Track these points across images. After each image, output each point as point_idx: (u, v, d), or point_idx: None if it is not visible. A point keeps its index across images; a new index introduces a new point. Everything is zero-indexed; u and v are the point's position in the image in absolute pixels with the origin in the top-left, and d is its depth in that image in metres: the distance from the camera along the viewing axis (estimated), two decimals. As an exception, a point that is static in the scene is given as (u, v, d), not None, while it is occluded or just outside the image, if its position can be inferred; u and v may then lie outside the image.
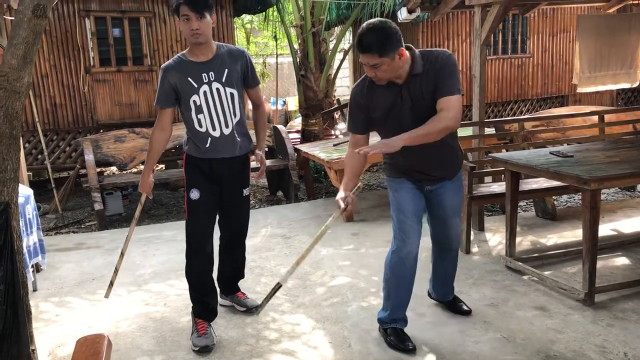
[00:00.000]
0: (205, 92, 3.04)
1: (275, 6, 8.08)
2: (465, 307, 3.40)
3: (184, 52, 3.11)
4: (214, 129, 3.07)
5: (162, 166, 8.35)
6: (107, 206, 6.25)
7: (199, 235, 3.18)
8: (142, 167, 8.61)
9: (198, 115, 3.06)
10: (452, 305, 3.43)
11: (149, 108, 7.18)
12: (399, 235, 2.95)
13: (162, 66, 3.12)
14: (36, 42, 2.56)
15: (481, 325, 3.24)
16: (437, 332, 3.20)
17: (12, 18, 4.97)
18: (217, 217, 3.34)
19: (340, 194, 2.80)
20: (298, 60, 8.11)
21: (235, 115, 3.13)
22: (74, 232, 5.86)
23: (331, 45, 8.92)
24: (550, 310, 3.38)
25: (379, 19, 2.66)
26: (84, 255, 4.91)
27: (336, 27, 11.03)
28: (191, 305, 3.31)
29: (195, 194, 3.11)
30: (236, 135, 3.14)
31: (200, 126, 3.07)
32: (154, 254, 4.85)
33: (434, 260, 3.35)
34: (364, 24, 2.63)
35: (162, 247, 5.01)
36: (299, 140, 8.35)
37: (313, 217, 5.78)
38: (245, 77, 3.18)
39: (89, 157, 5.95)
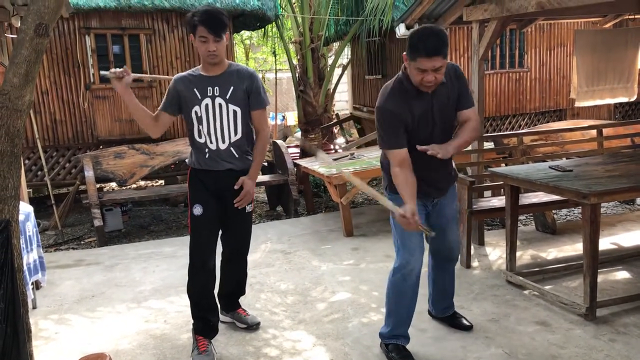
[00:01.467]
0: (207, 105, 3.09)
1: (274, 22, 8.14)
2: (465, 322, 3.39)
3: (199, 66, 3.19)
4: (210, 141, 3.12)
5: (162, 182, 8.35)
6: (107, 222, 6.24)
7: (201, 251, 3.17)
8: (141, 182, 8.61)
9: (199, 126, 3.13)
10: (453, 321, 3.42)
11: (148, 124, 7.20)
12: (402, 253, 2.96)
13: (175, 76, 3.20)
14: (38, 61, 2.58)
15: (483, 341, 3.23)
16: (439, 347, 3.19)
17: (14, 36, 5.02)
18: (220, 232, 3.34)
19: (406, 209, 2.71)
20: (297, 75, 8.16)
21: (235, 133, 3.14)
22: (73, 248, 5.85)
23: (330, 61, 8.97)
24: (552, 325, 3.37)
25: (430, 24, 2.67)
26: (83, 272, 4.90)
27: (334, 43, 11.13)
28: (192, 322, 3.30)
29: (198, 210, 3.13)
30: (233, 152, 3.16)
31: (200, 137, 3.14)
32: (154, 270, 4.84)
33: (433, 275, 3.34)
34: (420, 29, 2.67)
35: (162, 264, 5.00)
36: (298, 155, 8.37)
37: (313, 232, 5.78)
38: (248, 98, 3.16)
39: (89, 173, 5.95)
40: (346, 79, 13.54)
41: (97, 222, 5.75)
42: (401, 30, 5.50)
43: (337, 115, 11.88)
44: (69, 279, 4.72)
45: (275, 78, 12.63)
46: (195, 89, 3.09)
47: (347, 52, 12.30)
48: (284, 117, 14.03)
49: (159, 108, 3.20)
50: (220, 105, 3.09)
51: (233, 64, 3.22)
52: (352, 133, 12.35)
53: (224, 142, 3.12)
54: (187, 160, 3.27)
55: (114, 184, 8.29)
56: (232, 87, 3.11)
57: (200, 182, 3.17)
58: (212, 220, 3.18)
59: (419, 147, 2.75)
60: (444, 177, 2.97)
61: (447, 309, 3.44)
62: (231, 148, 3.14)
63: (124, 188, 6.59)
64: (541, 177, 3.68)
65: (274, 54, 11.58)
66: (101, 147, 7.00)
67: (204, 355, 3.09)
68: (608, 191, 3.31)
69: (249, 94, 3.15)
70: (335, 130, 11.78)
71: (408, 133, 2.82)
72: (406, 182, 2.76)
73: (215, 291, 3.37)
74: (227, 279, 3.53)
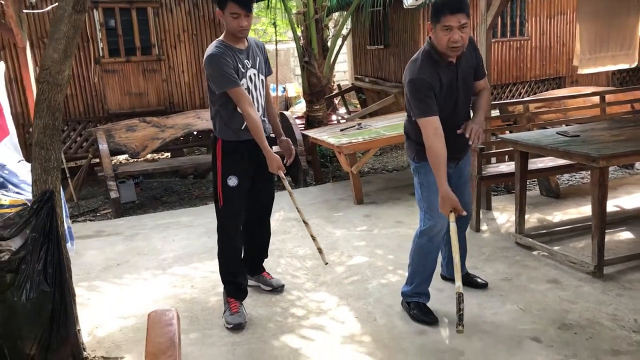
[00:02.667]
0: (250, 77, 3.22)
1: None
2: (480, 281, 3.58)
3: (221, 38, 3.20)
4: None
5: (168, 154, 8.45)
6: (121, 194, 6.37)
7: (236, 220, 3.33)
8: (160, 155, 8.69)
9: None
10: (467, 280, 3.58)
11: (157, 97, 7.31)
12: (429, 215, 3.10)
13: (210, 53, 3.11)
14: (76, 36, 2.69)
15: (498, 298, 3.42)
16: (456, 305, 3.37)
17: (30, 11, 5.07)
18: None
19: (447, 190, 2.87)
20: (301, 46, 8.20)
21: (263, 100, 3.35)
22: (90, 220, 5.99)
23: (332, 32, 9.02)
24: (562, 283, 3.56)
25: None
26: (105, 242, 5.05)
27: (335, 13, 11.13)
28: (218, 286, 3.47)
29: (233, 181, 3.23)
30: (265, 119, 3.36)
31: None
32: (174, 239, 4.99)
33: (447, 237, 3.49)
34: None
35: (181, 233, 5.15)
36: (303, 126, 8.48)
37: (323, 201, 5.93)
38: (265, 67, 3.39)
39: (103, 146, 6.07)
40: (345, 49, 13.56)
41: (114, 194, 5.88)
42: (409, 1, 5.58)
43: (339, 86, 11.94)
44: (92, 249, 4.87)
45: (276, 49, 12.65)
46: (239, 63, 3.16)
47: (347, 22, 12.32)
48: (284, 88, 14.08)
49: (232, 86, 3.08)
50: (254, 75, 3.24)
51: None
52: (354, 103, 12.42)
53: (259, 110, 3.27)
54: (216, 133, 3.29)
55: (121, 157, 8.43)
56: (258, 58, 3.29)
57: (236, 154, 3.25)
58: (245, 190, 3.32)
59: (458, 131, 2.96)
60: (464, 142, 3.11)
61: (462, 269, 3.61)
62: (263, 115, 3.32)
63: (136, 160, 6.71)
64: (551, 143, 3.83)
65: (274, 25, 11.57)
66: (111, 120, 7.10)
67: (236, 315, 3.26)
68: (616, 154, 3.47)
69: (265, 62, 3.37)
70: (336, 101, 11.86)
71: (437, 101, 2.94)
72: (442, 155, 2.85)
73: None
74: (253, 243, 3.68)
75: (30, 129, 6.40)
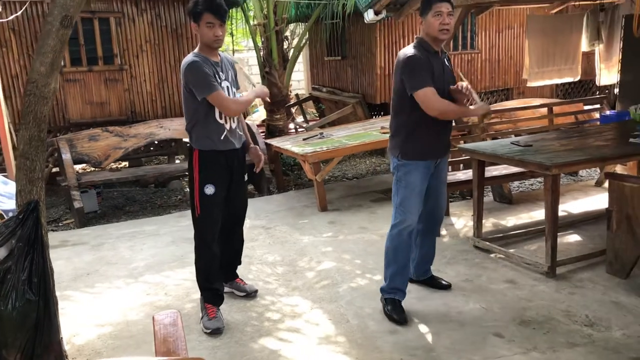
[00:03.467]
0: (225, 88, 3.32)
1: (240, 6, 8.28)
2: (444, 282, 3.81)
3: (197, 51, 3.31)
4: (226, 122, 3.34)
5: (126, 163, 8.39)
6: (83, 204, 6.33)
7: (213, 228, 3.43)
8: (118, 164, 8.63)
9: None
10: (432, 282, 3.82)
11: (119, 106, 7.30)
12: (400, 210, 3.37)
13: (191, 61, 3.21)
14: (63, 50, 2.77)
15: (461, 298, 3.65)
16: (424, 305, 3.58)
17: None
18: None
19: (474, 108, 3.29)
20: (262, 57, 8.34)
21: None
22: (53, 230, 5.94)
23: (293, 43, 9.18)
24: (519, 283, 3.83)
25: None
26: (71, 251, 5.04)
27: (291, 24, 11.30)
28: (195, 292, 3.57)
29: (210, 189, 3.34)
30: (238, 129, 3.48)
31: (221, 118, 3.32)
32: (141, 248, 5.03)
33: (420, 240, 3.70)
34: None
35: (148, 241, 5.19)
36: (263, 134, 8.59)
37: (288, 209, 6.07)
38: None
39: (66, 155, 6.03)
40: (301, 59, 13.77)
41: (77, 204, 5.86)
42: (370, 16, 5.82)
43: (296, 95, 12.11)
44: (59, 259, 4.84)
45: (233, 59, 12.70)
46: (215, 74, 3.27)
47: (299, 32, 12.51)
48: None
49: (214, 89, 3.19)
50: (228, 87, 3.36)
51: None
52: (312, 112, 12.62)
53: (234, 121, 3.40)
54: (193, 144, 3.36)
55: (78, 167, 8.33)
56: (230, 72, 3.45)
57: (214, 163, 3.35)
58: (222, 198, 3.43)
59: (451, 87, 3.30)
60: (448, 137, 3.43)
61: (427, 271, 3.84)
62: (237, 126, 3.46)
63: (97, 170, 6.68)
64: (507, 152, 4.10)
65: (232, 34, 11.65)
66: (72, 130, 7.05)
67: (214, 320, 3.37)
68: (567, 163, 3.76)
69: (235, 77, 3.53)
70: (293, 110, 12.02)
71: None
72: (450, 104, 3.22)
73: None
74: (227, 250, 3.75)
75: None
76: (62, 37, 2.72)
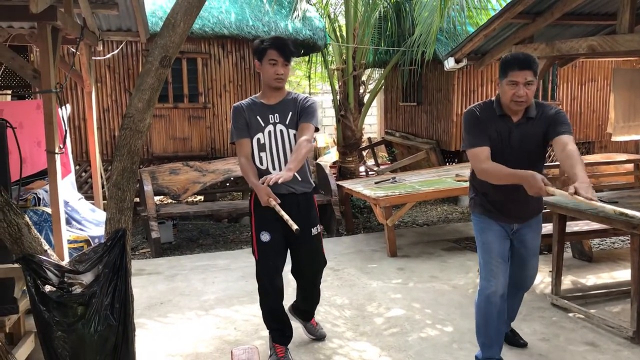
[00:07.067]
0: (269, 132, 3.27)
1: (320, 51, 8.53)
2: (521, 341, 3.65)
3: (257, 95, 3.39)
4: (273, 167, 3.28)
5: (201, 197, 8.65)
6: (160, 235, 6.56)
7: (270, 274, 3.33)
8: (193, 198, 8.94)
9: (260, 153, 3.30)
10: (510, 338, 3.65)
11: (200, 143, 7.61)
12: (484, 275, 3.15)
13: (234, 105, 3.33)
14: (159, 88, 2.93)
15: (537, 358, 3.48)
16: (497, 362, 3.44)
17: (98, 58, 5.40)
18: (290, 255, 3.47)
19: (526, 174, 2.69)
20: (338, 100, 8.49)
21: (285, 152, 3.29)
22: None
23: (369, 88, 9.33)
24: (601, 346, 3.62)
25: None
26: (146, 280, 5.22)
27: (368, 69, 11.49)
28: (263, 329, 3.57)
29: (265, 237, 3.26)
30: (296, 175, 3.20)
31: (262, 164, 3.29)
32: (213, 281, 5.14)
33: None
34: (512, 53, 2.93)
35: (219, 275, 5.30)
36: (335, 176, 8.68)
37: (357, 251, 6.06)
38: (299, 116, 3.28)
39: (148, 187, 6.30)
40: (375, 103, 13.89)
41: (155, 234, 6.07)
42: (450, 64, 5.84)
43: (368, 139, 12.20)
44: (134, 286, 4.89)
45: (308, 101, 12.98)
46: (257, 117, 3.26)
47: (375, 77, 12.67)
48: (314, 139, 14.38)
49: (235, 139, 3.26)
50: (281, 131, 3.27)
51: (292, 92, 3.41)
52: (383, 156, 12.65)
53: (275, 161, 3.28)
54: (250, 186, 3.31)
55: (156, 198, 8.67)
56: (290, 113, 3.29)
57: (265, 209, 3.13)
58: (279, 244, 3.32)
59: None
60: (527, 200, 2.99)
61: (508, 326, 3.68)
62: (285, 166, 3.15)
63: (175, 202, 6.93)
64: (590, 208, 3.94)
65: (309, 77, 11.96)
66: (154, 163, 7.38)
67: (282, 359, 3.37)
68: (657, 223, 3.57)
69: (300, 111, 3.27)
70: (364, 153, 12.10)
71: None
72: (499, 168, 2.81)
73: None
74: (302, 301, 3.69)
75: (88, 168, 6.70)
76: (160, 76, 2.88)
